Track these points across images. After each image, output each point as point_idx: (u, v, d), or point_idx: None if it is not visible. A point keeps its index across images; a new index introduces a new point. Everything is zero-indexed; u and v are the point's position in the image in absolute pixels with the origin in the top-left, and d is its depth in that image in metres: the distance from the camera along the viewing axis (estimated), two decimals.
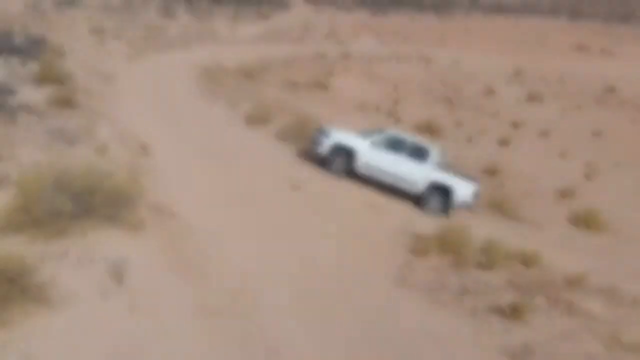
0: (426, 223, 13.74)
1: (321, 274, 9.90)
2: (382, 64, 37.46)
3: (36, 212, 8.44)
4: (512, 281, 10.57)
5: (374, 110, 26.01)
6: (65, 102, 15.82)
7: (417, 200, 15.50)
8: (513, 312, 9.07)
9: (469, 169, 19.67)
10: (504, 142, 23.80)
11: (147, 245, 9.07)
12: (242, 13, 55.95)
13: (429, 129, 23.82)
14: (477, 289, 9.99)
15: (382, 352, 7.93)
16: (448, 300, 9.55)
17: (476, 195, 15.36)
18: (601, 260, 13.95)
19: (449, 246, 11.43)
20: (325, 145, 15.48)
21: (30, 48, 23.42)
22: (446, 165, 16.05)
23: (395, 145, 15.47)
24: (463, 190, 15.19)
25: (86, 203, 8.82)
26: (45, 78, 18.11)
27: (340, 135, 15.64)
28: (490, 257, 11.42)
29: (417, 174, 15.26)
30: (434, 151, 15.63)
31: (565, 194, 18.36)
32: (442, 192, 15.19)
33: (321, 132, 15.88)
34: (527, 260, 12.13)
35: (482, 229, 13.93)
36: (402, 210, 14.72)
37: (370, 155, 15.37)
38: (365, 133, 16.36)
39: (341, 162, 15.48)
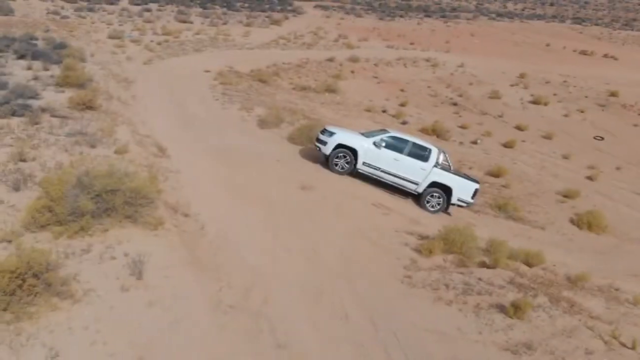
0: (431, 223, 14.03)
1: (329, 271, 10.24)
2: (390, 67, 37.71)
3: (59, 210, 8.88)
4: (514, 280, 10.81)
5: (381, 113, 26.28)
6: (86, 105, 16.28)
7: (418, 198, 15.77)
8: (515, 310, 9.32)
9: (474, 170, 19.94)
10: (508, 145, 24.06)
11: (164, 243, 9.48)
12: (255, 19, 56.44)
13: (435, 131, 24.09)
14: (480, 287, 10.26)
15: (387, 347, 8.25)
16: (452, 298, 9.83)
17: (476, 195, 15.62)
18: (603, 261, 14.20)
19: (454, 245, 11.73)
20: (329, 145, 15.74)
21: (52, 53, 23.95)
22: (447, 165, 16.28)
23: (396, 145, 15.73)
24: (463, 189, 15.44)
25: (107, 202, 9.24)
26: (66, 82, 18.64)
27: (342, 136, 15.89)
28: (493, 256, 11.71)
29: (418, 173, 15.53)
30: (435, 151, 15.87)
31: (568, 195, 18.57)
32: (443, 191, 15.48)
33: (324, 132, 16.18)
34: (530, 260, 12.40)
35: (486, 230, 14.26)
36: (408, 209, 15.02)
37: (372, 154, 15.64)
38: (367, 133, 16.69)
39: (344, 161, 15.80)
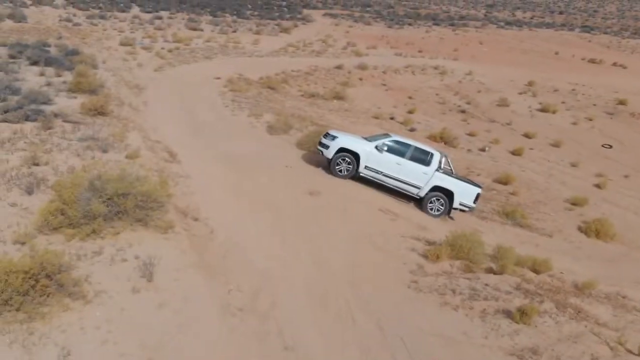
0: (438, 229, 14.08)
1: (336, 276, 10.34)
2: (398, 75, 37.83)
3: (72, 213, 9.06)
4: (521, 286, 10.85)
5: (389, 120, 26.38)
6: (98, 111, 16.56)
7: (420, 202, 15.82)
8: (521, 316, 9.37)
9: (481, 177, 19.97)
10: (516, 152, 24.06)
11: (175, 246, 9.62)
12: (265, 27, 56.86)
13: (443, 138, 24.15)
14: (487, 293, 10.31)
15: (394, 351, 8.33)
16: (458, 303, 9.89)
17: (478, 199, 15.64)
18: (610, 268, 14.16)
19: (460, 251, 11.77)
20: (331, 149, 15.81)
21: (65, 59, 24.32)
22: (449, 169, 16.32)
23: (398, 149, 15.81)
24: (465, 193, 15.48)
25: (118, 206, 9.41)
26: (78, 88, 18.95)
27: (345, 139, 15.98)
28: (500, 262, 11.73)
29: (419, 177, 15.58)
30: (437, 155, 15.91)
31: (576, 203, 18.54)
32: (445, 195, 15.52)
33: (327, 136, 16.25)
34: (537, 267, 12.41)
35: (494, 236, 14.30)
36: (415, 215, 15.08)
37: (374, 158, 15.71)
38: (370, 137, 16.78)
39: (345, 165, 15.87)
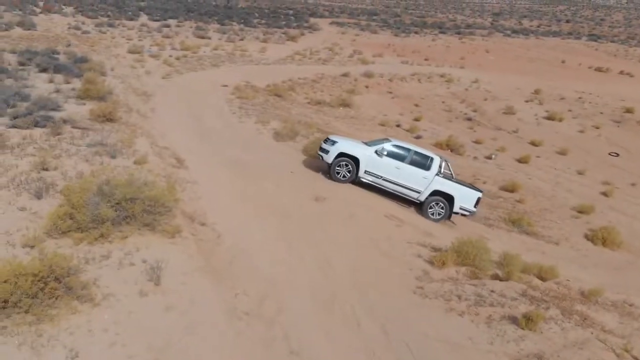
0: (444, 235, 14.09)
1: (342, 281, 10.38)
2: (404, 82, 37.92)
3: (81, 218, 9.15)
4: (527, 293, 10.83)
5: (395, 127, 26.45)
6: (106, 117, 16.72)
7: (420, 207, 15.83)
8: (527, 322, 9.36)
9: (488, 185, 19.98)
10: (523, 160, 24.06)
11: (182, 250, 9.69)
12: (272, 35, 57.21)
13: (450, 145, 24.20)
14: (492, 299, 10.31)
15: (400, 356, 8.34)
16: (464, 309, 9.89)
17: (479, 203, 15.62)
18: (617, 276, 14.12)
19: (466, 258, 11.77)
20: (331, 154, 15.85)
21: (73, 66, 24.59)
22: (449, 174, 16.33)
23: (398, 153, 15.84)
24: (466, 197, 15.48)
25: (127, 210, 9.50)
26: (87, 94, 19.15)
27: (344, 144, 15.99)
28: (506, 269, 11.73)
29: (419, 181, 15.61)
30: (437, 159, 15.93)
31: (582, 211, 18.51)
32: (445, 200, 15.53)
33: (327, 141, 16.29)
34: (543, 274, 12.41)
35: (500, 244, 14.29)
36: (421, 222, 15.09)
37: (374, 163, 15.75)
38: (370, 142, 16.83)
39: (345, 170, 15.90)
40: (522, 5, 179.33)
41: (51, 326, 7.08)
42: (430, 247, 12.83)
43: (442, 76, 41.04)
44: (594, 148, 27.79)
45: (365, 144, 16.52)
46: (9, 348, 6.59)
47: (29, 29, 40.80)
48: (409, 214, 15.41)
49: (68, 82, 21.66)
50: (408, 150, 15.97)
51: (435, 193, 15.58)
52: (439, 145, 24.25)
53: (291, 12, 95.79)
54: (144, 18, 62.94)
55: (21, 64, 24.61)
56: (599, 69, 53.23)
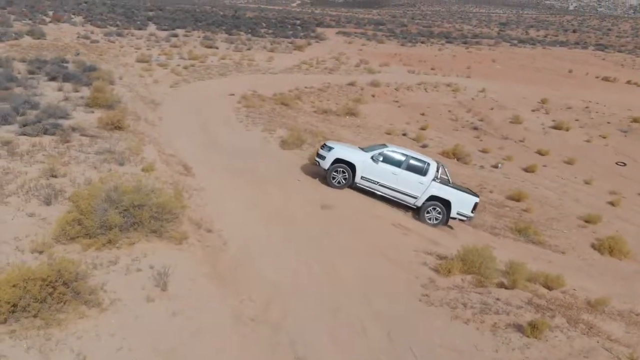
0: (450, 243, 14.08)
1: (347, 288, 10.39)
2: (411, 91, 37.97)
3: (89, 224, 9.24)
4: (532, 301, 10.81)
5: (401, 136, 26.50)
6: (115, 125, 16.86)
7: (417, 212, 15.83)
8: (532, 330, 9.34)
9: (494, 194, 19.98)
10: (529, 169, 24.04)
11: (189, 256, 9.77)
12: (279, 45, 57.61)
13: (456, 154, 24.22)
14: (498, 307, 10.30)
15: None
16: (469, 316, 9.89)
17: (476, 208, 15.62)
18: (623, 286, 14.05)
19: (472, 266, 11.76)
20: (327, 160, 15.87)
21: (82, 75, 24.84)
22: (446, 179, 16.34)
23: (394, 159, 15.87)
24: (463, 203, 15.48)
25: (134, 217, 9.59)
26: (95, 103, 19.33)
27: (341, 150, 16.02)
28: (512, 277, 11.72)
29: (416, 187, 15.62)
30: (433, 165, 15.94)
31: (589, 220, 18.45)
32: (442, 205, 15.54)
33: (324, 147, 16.33)
34: (550, 283, 12.38)
35: (506, 252, 14.25)
36: (427, 230, 15.10)
37: (371, 169, 15.78)
38: (367, 148, 16.87)
39: (341, 176, 15.92)
40: (529, 15, 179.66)
41: (59, 330, 7.15)
42: (436, 255, 12.83)
43: (448, 85, 41.10)
44: (600, 157, 27.72)
45: (362, 149, 16.58)
46: (18, 352, 6.66)
47: (38, 38, 41.23)
48: (416, 223, 15.42)
49: (77, 91, 21.88)
50: (404, 155, 16.01)
51: (432, 198, 15.61)
52: (445, 154, 24.28)
53: (298, 22, 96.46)
54: (152, 27, 63.58)
55: (31, 72, 24.89)
56: (606, 79, 53.15)
